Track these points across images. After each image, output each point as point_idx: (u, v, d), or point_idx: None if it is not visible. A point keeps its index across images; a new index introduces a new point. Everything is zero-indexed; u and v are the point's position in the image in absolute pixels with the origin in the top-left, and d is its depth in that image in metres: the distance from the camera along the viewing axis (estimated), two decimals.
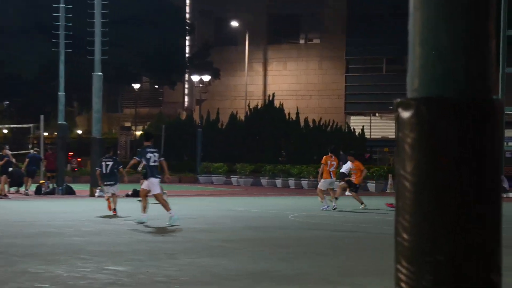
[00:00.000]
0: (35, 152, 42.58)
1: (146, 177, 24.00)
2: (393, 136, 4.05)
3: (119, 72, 68.51)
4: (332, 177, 31.03)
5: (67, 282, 12.71)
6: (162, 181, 24.52)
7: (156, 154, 23.86)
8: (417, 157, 3.86)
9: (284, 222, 25.29)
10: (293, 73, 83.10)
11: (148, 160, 23.52)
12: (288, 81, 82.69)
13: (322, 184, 30.74)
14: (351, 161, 32.41)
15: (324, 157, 30.94)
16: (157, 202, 23.78)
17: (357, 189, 32.35)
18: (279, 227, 23.29)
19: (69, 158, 54.16)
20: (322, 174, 30.75)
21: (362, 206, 31.19)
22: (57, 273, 13.68)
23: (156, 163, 23.72)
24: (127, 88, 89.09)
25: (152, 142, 24.94)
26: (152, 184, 23.51)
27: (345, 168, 33.12)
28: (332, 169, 30.92)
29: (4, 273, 13.55)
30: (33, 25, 63.33)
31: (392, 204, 29.90)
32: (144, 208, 23.56)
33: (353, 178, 31.96)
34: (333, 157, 31.02)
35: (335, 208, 29.89)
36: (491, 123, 3.85)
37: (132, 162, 25.90)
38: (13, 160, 38.56)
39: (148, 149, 23.85)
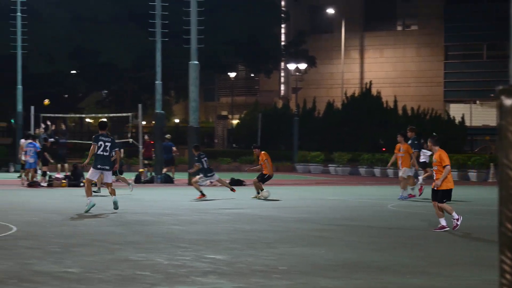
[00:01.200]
0: (167, 141, 43.00)
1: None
2: (495, 124, 4.03)
3: (214, 61, 68.66)
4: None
5: (167, 270, 12.85)
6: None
7: (108, 144, 23.85)
8: None
9: (383, 212, 25.16)
10: (390, 61, 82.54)
11: (98, 148, 23.73)
12: (385, 68, 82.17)
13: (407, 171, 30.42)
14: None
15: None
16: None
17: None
18: (378, 217, 23.18)
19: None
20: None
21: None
22: (157, 261, 13.85)
23: (106, 153, 23.78)
24: (223, 76, 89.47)
25: (107, 131, 25.07)
26: (95, 172, 23.97)
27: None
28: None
29: (105, 260, 13.77)
30: (126, 15, 63.96)
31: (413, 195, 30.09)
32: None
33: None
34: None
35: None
36: None
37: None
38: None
39: (101, 137, 23.96)
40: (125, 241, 16.59)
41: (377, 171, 53.02)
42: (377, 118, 60.59)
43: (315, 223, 21.02)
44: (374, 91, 64.69)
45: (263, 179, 29.97)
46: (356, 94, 65.73)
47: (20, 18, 51.10)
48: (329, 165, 56.85)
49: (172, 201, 28.31)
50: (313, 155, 57.90)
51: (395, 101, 63.55)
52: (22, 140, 42.95)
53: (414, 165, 30.42)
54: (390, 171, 51.37)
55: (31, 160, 35.98)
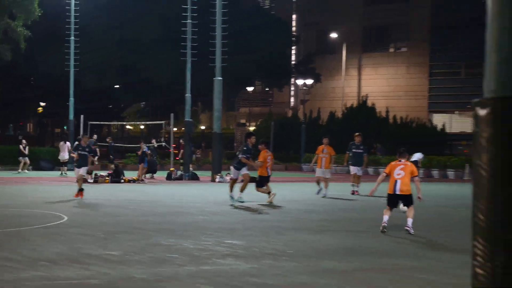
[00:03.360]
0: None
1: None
2: (471, 131, 3.99)
3: (236, 77, 68.97)
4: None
5: (193, 253, 12.87)
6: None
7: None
8: (492, 149, 3.80)
9: (377, 204, 25.11)
10: (383, 77, 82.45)
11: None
12: (379, 84, 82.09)
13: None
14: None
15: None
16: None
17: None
18: (373, 208, 23.13)
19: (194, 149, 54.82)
20: None
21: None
22: (185, 245, 13.86)
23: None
24: (243, 90, 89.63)
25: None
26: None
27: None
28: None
29: (141, 245, 13.79)
30: (164, 37, 64.19)
31: (357, 191, 29.49)
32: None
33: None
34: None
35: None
36: None
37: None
38: (148, 151, 39.17)
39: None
40: (158, 228, 16.60)
41: (370, 170, 52.98)
42: (372, 125, 60.57)
43: (318, 214, 20.98)
44: (369, 103, 64.94)
45: (259, 183, 25.05)
46: (354, 106, 65.91)
47: (73, 42, 51.23)
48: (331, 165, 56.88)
49: (198, 196, 28.31)
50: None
51: (387, 112, 63.83)
52: (68, 143, 43.39)
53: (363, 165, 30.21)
54: (370, 169, 51.25)
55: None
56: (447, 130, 66.83)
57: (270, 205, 23.62)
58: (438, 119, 74.12)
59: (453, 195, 30.33)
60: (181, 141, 45.10)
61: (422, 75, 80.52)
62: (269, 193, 24.56)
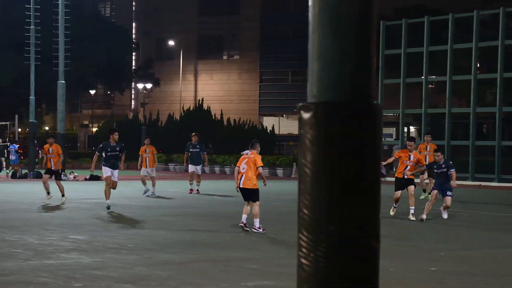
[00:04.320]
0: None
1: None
2: (297, 133, 4.06)
3: (79, 80, 67.97)
4: None
5: (37, 248, 12.54)
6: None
7: None
8: (315, 149, 3.88)
9: (212, 200, 25.27)
10: (218, 82, 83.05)
11: None
12: (214, 88, 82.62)
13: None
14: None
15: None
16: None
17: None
18: (207, 204, 23.24)
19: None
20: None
21: None
22: (29, 241, 13.49)
23: None
24: (86, 93, 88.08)
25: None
26: None
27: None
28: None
29: None
30: (8, 41, 62.30)
31: (197, 190, 28.16)
32: None
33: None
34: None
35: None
36: (372, 122, 3.88)
37: None
38: None
39: None
40: (2, 225, 16.06)
41: (206, 169, 53.17)
42: (207, 127, 60.88)
43: (157, 210, 20.90)
44: (205, 106, 65.30)
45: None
46: (191, 108, 66.15)
47: None
48: (170, 164, 56.84)
49: (43, 192, 27.56)
50: (157, 156, 57.53)
51: (222, 114, 64.36)
52: None
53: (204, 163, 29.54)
54: (216, 169, 51.63)
55: None
56: (276, 131, 68.05)
57: (113, 202, 23.27)
58: (268, 122, 75.31)
59: (282, 191, 30.91)
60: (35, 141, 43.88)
61: (253, 81, 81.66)
62: (48, 193, 22.92)
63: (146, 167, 27.93)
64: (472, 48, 43.46)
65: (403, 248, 13.62)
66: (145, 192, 26.79)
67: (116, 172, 20.96)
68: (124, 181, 33.62)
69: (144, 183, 27.26)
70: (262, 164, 15.65)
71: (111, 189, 20.80)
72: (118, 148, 21.29)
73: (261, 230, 15.26)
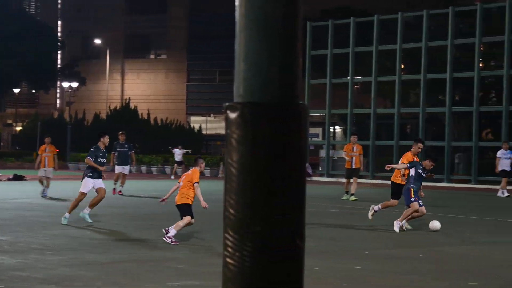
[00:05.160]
0: None
1: None
2: (224, 132, 4.07)
3: (2, 79, 66.77)
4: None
5: None
6: None
7: None
8: (241, 149, 3.88)
9: (138, 201, 25.09)
10: (145, 82, 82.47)
11: None
12: (141, 88, 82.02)
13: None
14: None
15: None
16: None
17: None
18: (133, 205, 23.07)
19: None
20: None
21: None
22: None
23: None
24: (10, 91, 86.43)
25: None
26: None
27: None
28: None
29: None
30: None
31: (120, 191, 27.33)
32: None
33: None
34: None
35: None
36: (297, 122, 3.91)
37: None
38: None
39: None
40: None
41: (133, 168, 52.78)
42: (134, 126, 60.42)
43: (83, 210, 20.59)
44: (132, 106, 64.90)
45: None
46: (118, 108, 65.61)
47: None
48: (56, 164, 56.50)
49: None
50: (83, 156, 56.84)
51: (149, 114, 64.09)
52: None
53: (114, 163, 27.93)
54: (143, 169, 51.33)
55: None
56: (204, 131, 68.04)
57: (38, 202, 22.91)
58: (196, 121, 75.16)
59: (208, 191, 30.82)
60: None
61: (180, 80, 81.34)
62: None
63: (45, 167, 26.28)
64: (396, 49, 44.18)
65: (328, 248, 13.76)
66: (43, 192, 25.55)
67: (100, 180, 17.86)
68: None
69: (42, 183, 26.00)
70: (198, 181, 14.53)
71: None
72: (106, 154, 18.25)
73: (170, 241, 13.60)
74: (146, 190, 29.72)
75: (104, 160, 17.63)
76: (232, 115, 3.92)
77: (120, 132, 29.12)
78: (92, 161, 17.64)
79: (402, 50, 44.29)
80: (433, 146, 45.50)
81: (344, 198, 26.30)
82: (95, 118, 65.12)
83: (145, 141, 60.51)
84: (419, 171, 16.46)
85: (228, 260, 3.92)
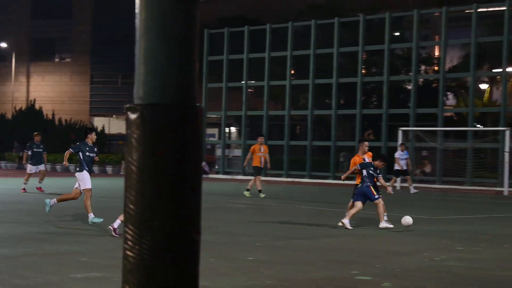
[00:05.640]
0: None
1: None
2: (125, 132, 4.03)
3: None
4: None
5: None
6: None
7: None
8: (140, 148, 3.85)
9: (41, 196, 24.53)
10: (50, 84, 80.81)
11: None
12: (46, 89, 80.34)
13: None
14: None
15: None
16: None
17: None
18: (40, 201, 22.56)
19: None
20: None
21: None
22: None
23: None
24: None
25: None
26: None
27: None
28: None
29: None
30: None
31: (40, 187, 26.87)
32: None
33: None
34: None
35: None
36: (194, 123, 3.91)
37: None
38: None
39: None
40: None
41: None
42: (39, 126, 59.10)
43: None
44: (37, 107, 63.63)
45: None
46: (24, 109, 64.19)
47: None
48: (1, 162, 54.79)
49: None
50: None
51: (53, 114, 63.03)
52: None
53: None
54: (48, 166, 50.22)
55: None
56: (107, 131, 67.25)
57: None
58: (99, 122, 74.14)
59: (110, 188, 30.50)
60: None
61: (84, 82, 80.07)
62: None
63: None
64: (287, 56, 44.74)
65: (223, 240, 13.80)
66: None
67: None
68: None
69: None
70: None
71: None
72: (95, 149, 16.75)
73: (114, 233, 13.48)
74: (51, 187, 29.07)
75: (92, 155, 16.42)
76: (133, 116, 3.89)
77: (36, 133, 28.55)
78: (73, 152, 16.70)
79: (292, 57, 44.91)
80: (319, 146, 46.30)
81: (262, 196, 25.52)
82: (1, 118, 63.39)
83: (49, 140, 59.28)
84: (371, 171, 16.06)
85: (128, 252, 3.88)
